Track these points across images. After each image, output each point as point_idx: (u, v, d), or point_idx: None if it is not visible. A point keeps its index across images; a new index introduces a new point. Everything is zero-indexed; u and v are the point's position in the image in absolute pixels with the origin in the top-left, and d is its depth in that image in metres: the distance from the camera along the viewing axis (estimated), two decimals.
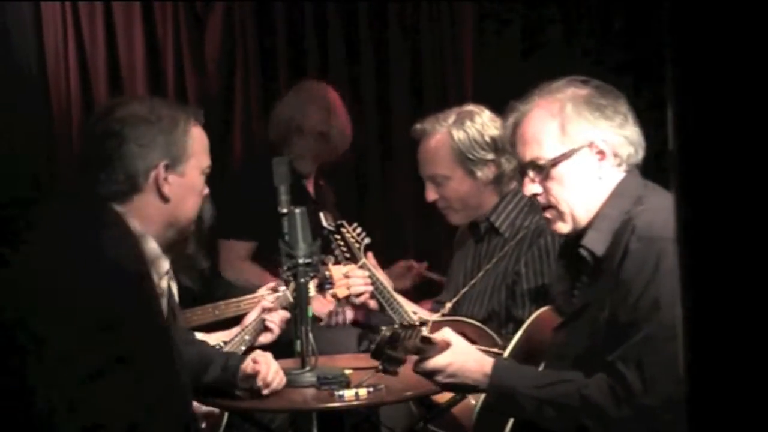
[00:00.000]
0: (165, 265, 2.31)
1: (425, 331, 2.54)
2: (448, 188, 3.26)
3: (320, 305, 3.67)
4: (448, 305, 3.29)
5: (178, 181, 2.30)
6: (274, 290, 3.27)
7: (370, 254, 3.36)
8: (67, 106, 4.34)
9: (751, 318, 1.02)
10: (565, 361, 2.36)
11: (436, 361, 2.37)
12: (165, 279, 2.33)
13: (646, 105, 2.56)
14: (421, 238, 4.83)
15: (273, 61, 4.78)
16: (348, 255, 3.34)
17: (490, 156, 3.23)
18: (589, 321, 2.32)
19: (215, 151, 4.44)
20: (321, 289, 3.22)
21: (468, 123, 3.23)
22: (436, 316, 3.27)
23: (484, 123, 3.23)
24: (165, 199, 2.27)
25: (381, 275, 3.33)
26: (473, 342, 3.09)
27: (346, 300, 3.34)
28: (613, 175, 2.35)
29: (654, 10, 4.07)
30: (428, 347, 2.38)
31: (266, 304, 3.22)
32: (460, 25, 4.99)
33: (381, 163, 4.97)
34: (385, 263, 3.55)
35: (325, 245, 3.21)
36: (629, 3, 4.43)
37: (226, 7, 4.70)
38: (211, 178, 2.47)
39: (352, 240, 3.34)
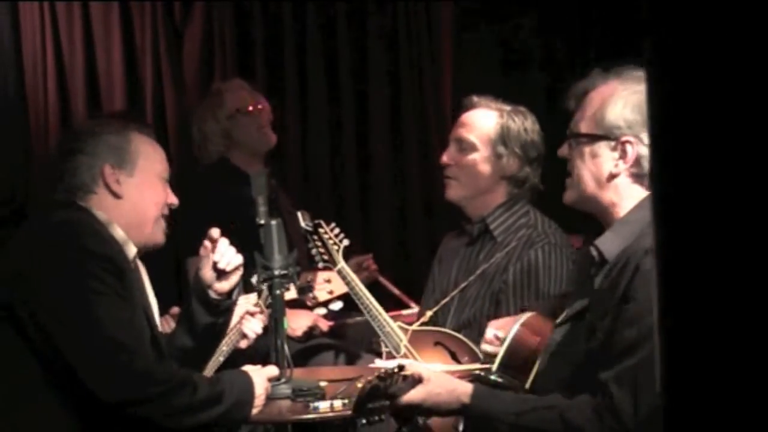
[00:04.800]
0: (132, 249, 2.59)
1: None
2: (469, 158, 3.26)
3: (295, 320, 3.64)
4: (429, 313, 3.26)
5: (128, 180, 2.58)
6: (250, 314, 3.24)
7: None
8: (44, 113, 4.33)
9: (732, 326, 1.00)
10: (559, 359, 2.35)
11: (409, 398, 2.37)
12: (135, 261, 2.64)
13: None
14: (398, 249, 4.81)
15: (251, 72, 4.76)
16: (326, 257, 3.30)
17: (521, 154, 3.25)
18: (587, 324, 2.30)
19: (192, 161, 4.37)
20: (302, 292, 3.19)
21: (521, 117, 3.28)
22: (415, 326, 3.25)
23: (532, 127, 3.28)
24: (118, 196, 2.57)
25: (359, 281, 3.30)
26: (453, 354, 3.09)
27: (325, 305, 3.34)
28: (627, 182, 2.30)
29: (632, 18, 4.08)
30: (405, 385, 2.36)
31: (249, 308, 3.20)
32: (438, 31, 5.00)
33: (358, 173, 4.95)
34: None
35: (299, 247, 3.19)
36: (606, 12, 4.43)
37: (204, 17, 4.69)
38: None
39: (330, 241, 3.29)
